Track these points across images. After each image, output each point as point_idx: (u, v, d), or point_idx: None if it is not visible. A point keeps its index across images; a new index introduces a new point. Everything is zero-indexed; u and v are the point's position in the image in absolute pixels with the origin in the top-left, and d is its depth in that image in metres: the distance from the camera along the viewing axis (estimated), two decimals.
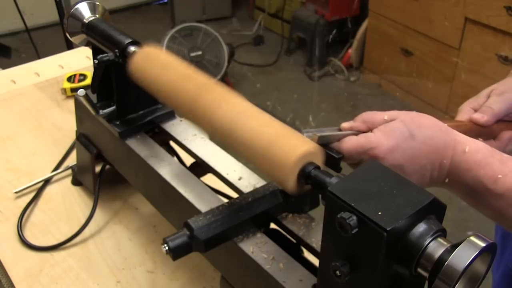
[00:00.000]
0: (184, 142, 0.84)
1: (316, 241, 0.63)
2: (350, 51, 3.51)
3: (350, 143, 0.58)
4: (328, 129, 0.61)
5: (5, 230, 0.96)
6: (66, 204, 1.03)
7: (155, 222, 0.99)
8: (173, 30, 3.18)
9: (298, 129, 0.58)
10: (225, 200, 0.68)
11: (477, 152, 0.56)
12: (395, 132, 0.57)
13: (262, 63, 3.72)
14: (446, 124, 0.60)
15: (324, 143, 0.59)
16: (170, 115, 0.89)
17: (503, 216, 0.55)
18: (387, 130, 0.58)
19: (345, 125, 0.62)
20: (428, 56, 2.96)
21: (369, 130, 0.60)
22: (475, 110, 0.73)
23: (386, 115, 0.60)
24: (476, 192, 0.56)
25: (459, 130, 0.61)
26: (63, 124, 1.25)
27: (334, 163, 0.59)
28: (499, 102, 0.71)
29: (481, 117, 0.70)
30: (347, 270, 0.46)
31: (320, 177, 0.52)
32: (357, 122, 0.62)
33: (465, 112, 0.73)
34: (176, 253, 0.59)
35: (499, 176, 0.54)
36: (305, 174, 0.53)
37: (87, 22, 0.87)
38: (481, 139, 0.64)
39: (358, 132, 0.60)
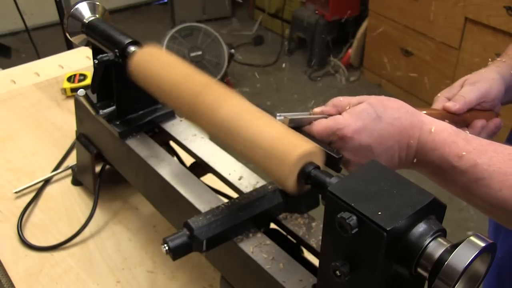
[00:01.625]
0: (184, 142, 0.84)
1: (316, 241, 0.63)
2: (350, 51, 3.51)
3: (319, 125, 0.62)
4: (300, 113, 0.64)
5: (5, 230, 0.96)
6: (66, 204, 1.03)
7: (155, 222, 0.99)
8: (173, 30, 3.18)
9: (272, 113, 0.61)
10: (225, 200, 0.68)
11: (442, 132, 0.58)
12: (362, 114, 0.60)
13: (262, 63, 3.72)
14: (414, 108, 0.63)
15: (296, 126, 0.62)
16: (170, 115, 0.89)
17: (468, 192, 0.57)
18: (354, 112, 0.60)
19: (316, 109, 0.65)
20: (428, 56, 2.95)
21: (339, 113, 0.63)
22: (449, 99, 0.75)
23: (355, 99, 0.63)
24: (443, 170, 0.58)
25: (433, 117, 0.63)
26: (63, 124, 1.25)
27: (334, 163, 0.59)
28: (471, 91, 0.74)
29: (453, 105, 0.73)
30: (347, 270, 0.46)
31: (320, 177, 0.52)
32: (328, 107, 0.65)
33: (440, 101, 0.76)
34: (176, 253, 0.59)
35: (464, 153, 0.56)
36: (305, 174, 0.53)
37: (87, 22, 0.87)
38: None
39: (328, 116, 0.63)
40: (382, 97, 0.62)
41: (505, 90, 0.77)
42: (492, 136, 0.77)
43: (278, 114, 0.62)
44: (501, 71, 0.77)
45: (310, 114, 0.65)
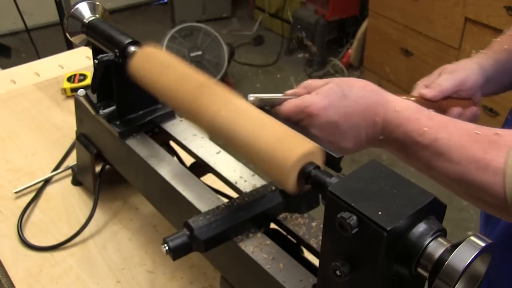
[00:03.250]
0: (184, 142, 0.84)
1: (316, 241, 0.63)
2: (350, 51, 3.51)
3: (289, 105, 0.65)
4: (272, 94, 0.67)
5: (5, 230, 0.96)
6: (66, 204, 1.03)
7: (155, 222, 0.99)
8: (173, 30, 3.18)
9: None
10: (225, 200, 0.68)
11: (406, 109, 0.60)
12: (328, 92, 0.63)
13: (262, 63, 3.72)
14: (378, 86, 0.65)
15: (266, 105, 0.66)
16: (170, 115, 0.89)
17: (429, 167, 0.58)
18: (321, 91, 0.64)
19: (288, 91, 0.68)
20: (428, 56, 2.95)
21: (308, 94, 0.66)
22: (427, 87, 0.78)
23: (323, 81, 0.66)
24: (406, 145, 0.60)
25: None
26: (63, 124, 1.25)
27: (334, 163, 0.59)
28: (448, 80, 0.77)
29: (429, 92, 0.76)
30: (347, 270, 0.46)
31: (320, 177, 0.52)
32: (299, 88, 0.68)
33: (418, 89, 0.78)
34: (176, 253, 0.59)
35: (425, 129, 0.58)
36: (305, 174, 0.53)
37: (87, 22, 0.87)
38: None
39: (298, 96, 0.66)
40: (349, 78, 0.65)
41: (486, 81, 0.79)
42: None
43: (250, 95, 0.64)
44: (481, 62, 0.80)
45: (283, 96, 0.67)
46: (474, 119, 0.79)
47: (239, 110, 0.58)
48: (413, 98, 0.75)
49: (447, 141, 0.56)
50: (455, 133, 0.56)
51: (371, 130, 0.63)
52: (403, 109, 0.61)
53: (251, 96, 0.64)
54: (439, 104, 0.76)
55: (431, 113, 0.61)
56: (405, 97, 0.70)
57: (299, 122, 0.64)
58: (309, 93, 0.66)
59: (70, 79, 1.36)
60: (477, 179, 0.54)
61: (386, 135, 0.62)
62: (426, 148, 0.58)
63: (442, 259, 0.43)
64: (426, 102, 0.75)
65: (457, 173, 0.55)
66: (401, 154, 0.62)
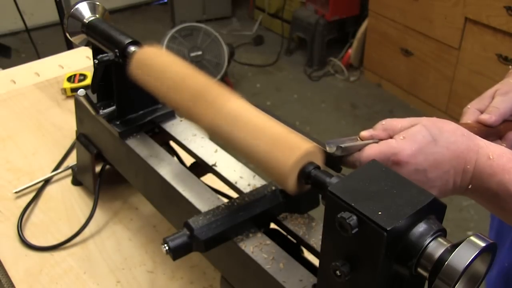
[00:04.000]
0: (184, 142, 0.84)
1: (316, 241, 0.63)
2: (350, 51, 3.51)
3: (372, 151, 0.57)
4: (348, 139, 0.60)
5: (5, 230, 0.96)
6: (66, 204, 1.03)
7: (155, 222, 0.99)
8: (173, 30, 3.18)
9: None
10: (225, 200, 0.68)
11: (501, 157, 0.55)
12: (417, 137, 0.56)
13: (262, 63, 3.72)
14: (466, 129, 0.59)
15: (347, 154, 0.58)
16: (170, 115, 0.89)
17: None
18: (408, 135, 0.56)
19: (364, 133, 0.60)
20: (428, 56, 2.95)
21: (390, 137, 0.59)
22: (481, 111, 0.72)
23: (406, 121, 0.59)
24: (501, 198, 0.55)
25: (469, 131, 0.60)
26: (63, 124, 1.25)
27: (334, 163, 0.59)
28: (505, 102, 0.71)
29: (489, 117, 0.70)
30: (347, 270, 0.46)
31: (320, 177, 0.52)
32: (377, 130, 0.60)
33: (471, 114, 0.72)
34: (176, 253, 0.59)
35: None
36: (305, 174, 0.53)
37: (87, 22, 0.87)
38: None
39: (379, 140, 0.59)
40: (435, 119, 0.59)
41: None
42: None
43: (327, 141, 0.58)
44: None
45: (358, 139, 0.60)
46: None
47: (239, 111, 0.58)
48: (471, 125, 0.70)
49: None
50: None
51: (459, 178, 0.57)
52: (497, 156, 0.55)
53: (329, 143, 0.57)
54: (497, 129, 0.71)
55: None
56: (462, 125, 0.64)
57: None
58: (390, 135, 0.59)
59: (70, 79, 1.36)
60: None
61: (476, 184, 0.56)
62: None
63: (442, 259, 0.43)
64: (485, 128, 0.70)
65: None
66: (492, 206, 0.57)
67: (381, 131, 0.60)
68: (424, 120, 0.58)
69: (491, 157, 0.55)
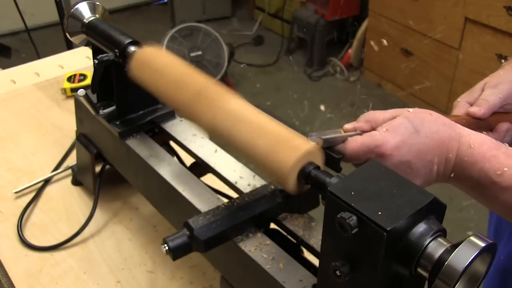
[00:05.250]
0: (184, 142, 0.84)
1: (316, 241, 0.63)
2: (350, 51, 3.51)
3: (355, 143, 0.58)
4: (331, 131, 0.60)
5: (5, 230, 0.96)
6: (66, 204, 1.03)
7: (155, 222, 0.99)
8: (173, 30, 3.18)
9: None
10: (225, 200, 0.68)
11: (482, 145, 0.56)
12: (400, 128, 0.57)
13: (262, 63, 3.72)
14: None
15: (329, 146, 0.59)
16: (170, 115, 0.89)
17: (509, 209, 0.55)
18: (391, 127, 0.57)
19: (348, 126, 0.61)
20: (428, 56, 2.95)
21: (373, 129, 0.60)
22: (471, 104, 0.73)
23: (389, 113, 0.60)
24: (482, 185, 0.55)
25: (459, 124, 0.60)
26: (63, 124, 1.25)
27: (334, 163, 0.59)
28: (494, 94, 0.72)
29: (478, 110, 0.71)
30: (347, 270, 0.46)
31: (320, 177, 0.52)
32: (360, 122, 0.61)
33: (461, 107, 0.73)
34: (176, 253, 0.59)
35: (505, 169, 0.53)
36: (305, 174, 0.53)
37: (87, 22, 0.87)
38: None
39: (362, 132, 0.60)
40: (417, 110, 0.60)
41: None
42: None
43: (309, 134, 0.58)
44: None
45: (341, 131, 0.61)
46: None
47: (239, 111, 0.58)
48: (461, 118, 0.71)
49: None
50: None
51: (442, 167, 0.58)
52: (478, 144, 0.56)
53: (312, 136, 0.58)
54: (487, 121, 0.72)
55: (508, 149, 0.56)
56: (452, 118, 0.65)
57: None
58: (373, 127, 0.60)
59: (70, 79, 1.36)
60: None
61: (458, 172, 0.57)
62: (506, 190, 0.53)
63: (442, 259, 0.43)
64: (474, 121, 0.71)
65: None
66: (474, 193, 0.58)
67: (364, 123, 0.61)
68: (406, 111, 0.59)
69: (472, 146, 0.56)
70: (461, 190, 0.60)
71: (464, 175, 0.57)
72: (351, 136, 0.59)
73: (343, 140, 0.59)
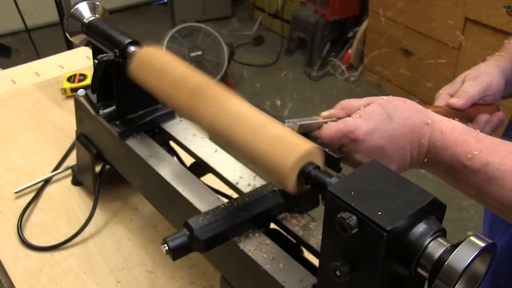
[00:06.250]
0: (184, 142, 0.84)
1: (316, 241, 0.63)
2: (350, 51, 3.51)
3: (330, 129, 0.60)
4: (308, 118, 0.63)
5: (5, 230, 0.96)
6: (66, 204, 1.03)
7: (155, 222, 0.99)
8: (173, 30, 3.18)
9: (281, 119, 0.60)
10: (225, 200, 0.68)
11: (453, 130, 0.58)
12: (372, 115, 0.59)
13: (262, 63, 3.72)
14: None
15: (305, 131, 0.61)
16: (170, 115, 0.89)
17: (480, 192, 0.56)
18: (365, 113, 0.59)
19: (324, 113, 0.64)
20: (428, 56, 2.95)
21: (348, 116, 0.62)
22: (451, 96, 0.75)
23: (363, 100, 0.62)
24: (454, 169, 0.57)
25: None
26: (63, 124, 1.25)
27: (334, 163, 0.59)
28: (473, 86, 0.74)
29: (457, 101, 0.73)
30: (347, 270, 0.46)
31: (320, 177, 0.52)
32: (336, 110, 0.64)
33: (442, 98, 0.76)
34: (176, 253, 0.59)
35: (475, 152, 0.55)
36: (305, 174, 0.53)
37: (87, 22, 0.87)
38: None
39: (337, 119, 0.62)
40: (391, 97, 0.61)
41: (505, 84, 0.77)
42: (496, 129, 0.77)
43: (286, 120, 0.60)
44: (500, 64, 0.78)
45: (318, 118, 0.63)
46: (500, 124, 0.77)
47: (239, 111, 0.58)
48: (441, 109, 0.73)
49: (499, 165, 0.53)
50: (507, 157, 0.54)
51: (416, 152, 0.59)
52: (449, 130, 0.58)
53: (289, 122, 0.60)
54: (467, 112, 0.74)
55: (479, 134, 0.58)
56: (432, 109, 0.67)
57: (341, 147, 0.61)
58: (348, 114, 0.62)
59: (70, 79, 1.36)
60: None
61: (431, 157, 0.59)
62: (476, 173, 0.55)
63: (442, 259, 0.43)
64: (454, 111, 0.73)
65: None
66: (447, 178, 0.60)
67: (340, 110, 0.63)
68: (380, 99, 0.61)
69: (444, 131, 0.58)
70: (435, 175, 0.62)
71: (437, 160, 0.59)
72: (326, 122, 0.62)
73: (319, 126, 0.61)
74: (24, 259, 0.91)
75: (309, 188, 0.54)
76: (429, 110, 0.61)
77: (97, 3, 0.90)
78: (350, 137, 0.59)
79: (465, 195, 0.59)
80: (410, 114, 0.59)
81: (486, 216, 0.98)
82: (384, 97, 0.61)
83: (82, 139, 0.99)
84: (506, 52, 0.81)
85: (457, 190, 0.60)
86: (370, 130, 0.58)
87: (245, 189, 0.73)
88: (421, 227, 0.44)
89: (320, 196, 0.57)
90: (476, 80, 0.75)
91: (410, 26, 2.99)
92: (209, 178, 0.82)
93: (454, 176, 0.58)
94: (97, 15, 0.89)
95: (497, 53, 0.82)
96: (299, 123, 0.60)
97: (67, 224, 0.98)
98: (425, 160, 0.60)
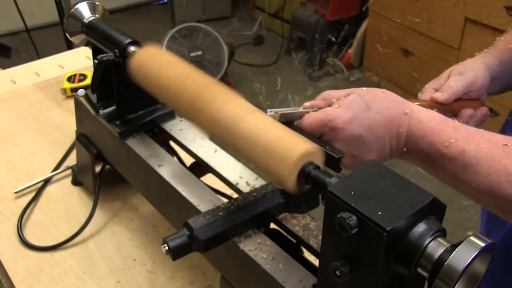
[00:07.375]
0: (184, 142, 0.84)
1: (316, 241, 0.63)
2: (350, 51, 3.51)
3: (310, 118, 0.62)
4: (291, 108, 0.65)
5: (5, 230, 0.96)
6: (66, 204, 1.03)
7: (155, 222, 0.99)
8: (173, 30, 3.18)
9: (263, 109, 0.61)
10: (225, 200, 0.68)
11: (431, 120, 0.59)
12: (351, 104, 0.61)
13: (262, 63, 3.72)
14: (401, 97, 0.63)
15: (286, 121, 0.63)
16: (170, 115, 0.89)
17: (457, 179, 0.57)
18: (344, 103, 0.61)
19: (306, 104, 0.66)
20: (428, 56, 2.95)
21: (329, 106, 0.64)
22: (436, 90, 0.77)
23: (344, 91, 0.64)
24: (432, 157, 0.58)
25: None
26: (63, 124, 1.25)
27: (334, 163, 0.59)
28: (458, 81, 0.76)
29: (441, 95, 0.75)
30: (347, 270, 0.46)
31: (320, 177, 0.52)
32: (317, 100, 0.66)
33: (428, 92, 0.77)
34: (176, 253, 0.59)
35: (452, 140, 0.57)
36: (305, 174, 0.53)
37: (87, 22, 0.87)
38: None
39: (318, 109, 0.64)
40: (371, 88, 0.63)
41: (491, 80, 0.78)
42: (480, 124, 0.78)
43: (269, 110, 0.63)
44: (486, 61, 0.79)
45: (300, 108, 0.66)
46: (484, 119, 0.78)
47: (239, 110, 0.58)
48: (425, 103, 0.74)
49: (475, 153, 0.55)
50: (483, 145, 0.55)
51: (395, 142, 0.61)
52: (427, 119, 0.59)
53: (271, 111, 0.63)
54: (451, 107, 0.75)
55: (456, 123, 0.59)
56: (417, 102, 0.69)
57: (321, 136, 0.62)
58: (329, 105, 0.64)
59: (70, 79, 1.36)
60: (510, 192, 0.52)
61: (410, 146, 0.60)
62: (453, 160, 0.56)
63: (442, 259, 0.43)
64: (438, 105, 0.74)
65: (487, 186, 0.54)
66: (426, 166, 0.61)
67: (321, 100, 0.66)
68: (359, 90, 0.63)
69: (422, 121, 0.59)
70: (414, 164, 0.63)
71: (415, 149, 0.60)
72: (308, 112, 0.64)
73: (301, 116, 0.64)
74: (24, 259, 0.91)
75: (309, 188, 0.54)
76: (408, 100, 0.63)
77: (97, 3, 0.90)
78: (329, 126, 0.61)
79: (442, 183, 0.61)
80: (389, 104, 0.61)
81: (482, 214, 0.98)
82: (364, 88, 0.63)
83: (82, 139, 0.99)
84: (494, 49, 0.82)
85: (437, 179, 0.61)
86: (349, 119, 0.60)
87: (245, 189, 0.73)
88: (421, 227, 0.44)
89: (320, 196, 0.57)
90: (461, 76, 0.77)
91: (410, 26, 2.99)
92: (209, 178, 0.82)
93: (432, 164, 0.59)
94: (97, 15, 0.89)
95: (485, 50, 0.83)
96: (280, 112, 0.62)
97: (67, 224, 0.98)
98: (404, 150, 0.61)
